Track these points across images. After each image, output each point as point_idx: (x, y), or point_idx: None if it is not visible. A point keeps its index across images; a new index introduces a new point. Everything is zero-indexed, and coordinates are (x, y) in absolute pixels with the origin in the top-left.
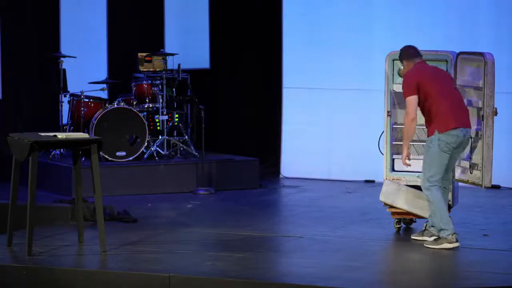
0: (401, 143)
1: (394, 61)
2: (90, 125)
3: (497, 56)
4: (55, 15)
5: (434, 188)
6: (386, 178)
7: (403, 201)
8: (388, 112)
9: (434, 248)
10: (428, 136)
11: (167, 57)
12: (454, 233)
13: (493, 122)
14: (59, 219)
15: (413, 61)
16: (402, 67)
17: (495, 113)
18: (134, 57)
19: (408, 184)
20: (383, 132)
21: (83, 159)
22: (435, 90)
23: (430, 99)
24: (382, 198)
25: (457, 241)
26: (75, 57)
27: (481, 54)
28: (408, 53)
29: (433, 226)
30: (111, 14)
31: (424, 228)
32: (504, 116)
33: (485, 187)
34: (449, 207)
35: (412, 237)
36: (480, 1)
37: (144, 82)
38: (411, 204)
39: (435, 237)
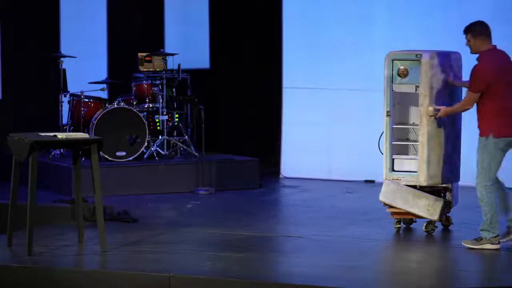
0: (401, 143)
1: (394, 61)
2: (90, 125)
3: None
4: (55, 15)
5: (493, 187)
6: (386, 178)
7: (403, 201)
8: (388, 112)
9: (474, 248)
10: (481, 136)
11: (167, 57)
12: (498, 235)
13: (427, 121)
14: (59, 219)
15: (483, 42)
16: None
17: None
18: (134, 57)
19: (408, 184)
20: (383, 132)
21: (83, 159)
22: (502, 91)
23: (495, 97)
24: (382, 198)
25: (499, 243)
26: (75, 57)
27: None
28: (476, 30)
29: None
30: (111, 14)
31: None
32: None
33: (420, 186)
34: (449, 207)
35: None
36: (480, 1)
37: (144, 82)
38: (411, 204)
39: (477, 237)
